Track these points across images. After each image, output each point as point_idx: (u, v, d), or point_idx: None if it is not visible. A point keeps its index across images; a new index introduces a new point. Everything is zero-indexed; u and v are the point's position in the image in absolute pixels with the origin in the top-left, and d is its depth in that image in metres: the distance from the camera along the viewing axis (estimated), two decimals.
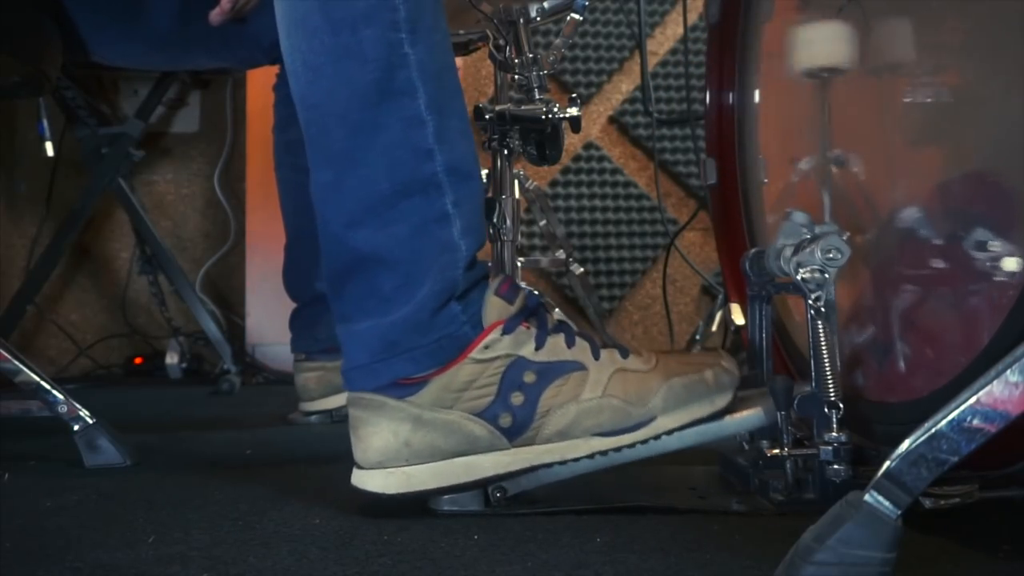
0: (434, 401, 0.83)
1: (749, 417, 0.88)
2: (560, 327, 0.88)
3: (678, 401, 0.86)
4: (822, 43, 1.00)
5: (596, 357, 0.87)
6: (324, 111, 0.83)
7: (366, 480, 0.84)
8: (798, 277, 0.84)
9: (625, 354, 0.88)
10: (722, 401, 0.87)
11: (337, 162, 0.84)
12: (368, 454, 0.84)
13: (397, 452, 0.83)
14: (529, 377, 0.84)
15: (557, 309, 1.70)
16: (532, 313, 0.88)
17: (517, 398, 0.84)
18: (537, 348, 0.85)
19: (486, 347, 0.84)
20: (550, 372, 0.85)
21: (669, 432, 0.86)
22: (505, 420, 0.83)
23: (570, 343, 0.87)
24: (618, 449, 0.85)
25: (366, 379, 0.84)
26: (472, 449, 0.84)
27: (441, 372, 0.83)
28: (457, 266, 0.84)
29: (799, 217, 0.91)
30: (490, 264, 1.34)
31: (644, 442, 0.85)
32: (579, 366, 0.86)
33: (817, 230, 0.88)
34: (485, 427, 0.83)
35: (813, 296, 0.84)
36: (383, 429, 0.83)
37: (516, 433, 0.84)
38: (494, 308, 0.85)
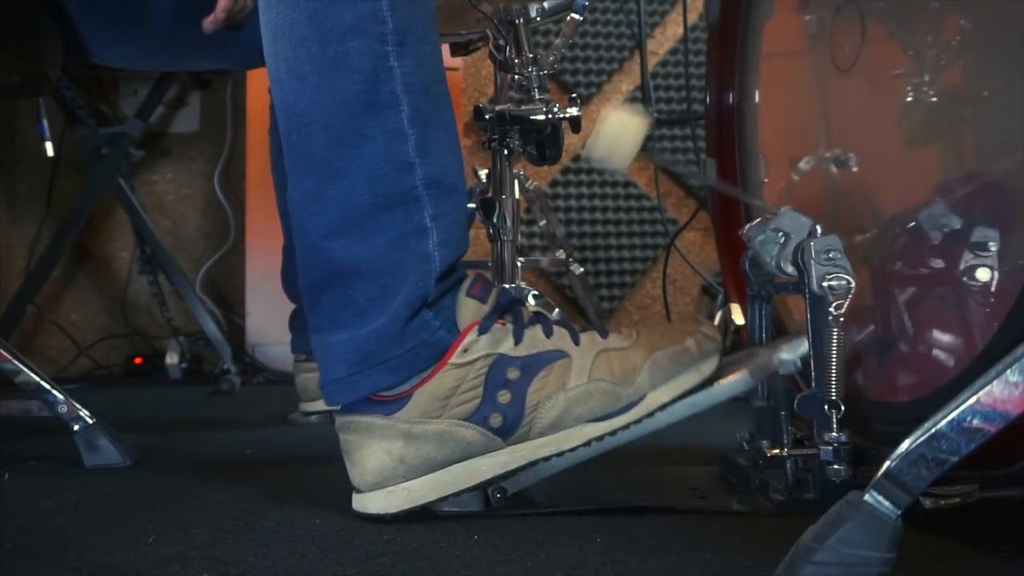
0: (422, 413, 0.83)
1: (736, 382, 0.88)
2: (536, 318, 0.88)
3: (665, 374, 0.85)
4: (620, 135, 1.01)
5: (576, 343, 0.86)
6: (307, 120, 0.83)
7: (367, 503, 0.84)
8: (825, 286, 0.82)
9: (605, 334, 0.88)
10: (708, 368, 0.87)
11: (318, 172, 0.83)
12: (365, 476, 0.83)
13: (393, 470, 0.83)
14: (513, 373, 0.84)
15: (557, 310, 1.71)
16: (506, 309, 0.87)
17: (504, 396, 0.83)
18: (516, 343, 0.85)
19: (465, 350, 0.83)
20: (533, 365, 0.84)
21: (662, 407, 0.85)
22: (496, 420, 0.83)
23: (548, 333, 0.86)
24: (613, 432, 0.85)
25: (345, 392, 0.84)
26: (467, 454, 0.83)
27: (424, 383, 0.83)
28: (430, 276, 0.83)
29: (756, 228, 0.90)
30: (490, 264, 1.34)
31: (638, 421, 0.85)
32: (561, 354, 0.85)
33: (780, 222, 0.88)
34: (477, 431, 0.83)
35: (835, 304, 0.82)
36: (375, 449, 0.83)
37: (509, 431, 0.83)
38: (468, 309, 0.85)
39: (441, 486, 0.83)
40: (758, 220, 0.90)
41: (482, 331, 0.84)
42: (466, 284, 0.86)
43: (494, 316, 0.85)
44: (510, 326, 0.86)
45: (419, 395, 0.83)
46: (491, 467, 0.84)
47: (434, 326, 0.83)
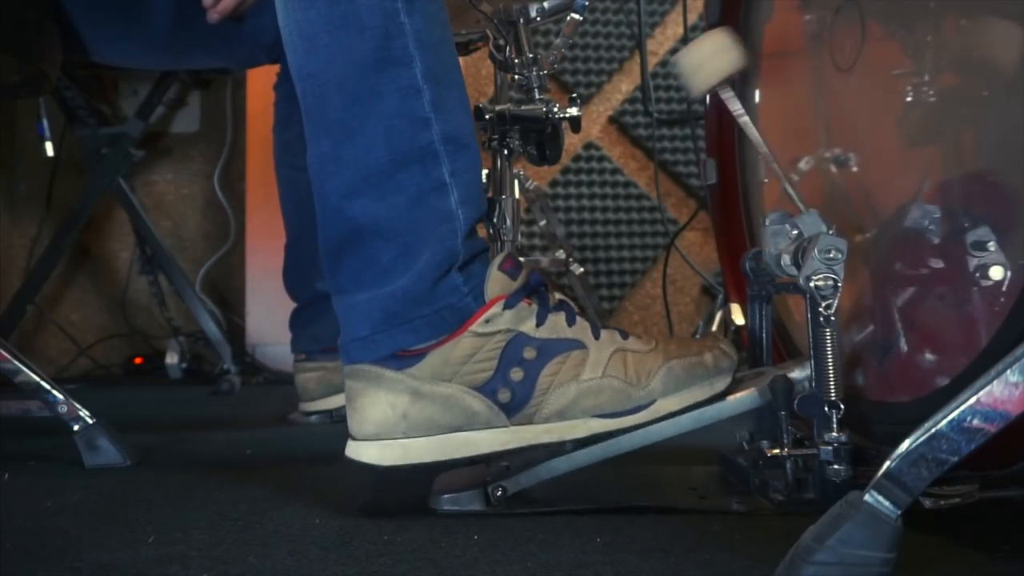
0: (433, 373, 0.83)
1: (746, 398, 0.88)
2: (561, 306, 0.88)
3: (678, 383, 0.86)
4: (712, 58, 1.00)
5: (596, 337, 0.87)
6: (321, 80, 0.83)
7: (360, 452, 0.83)
8: (811, 285, 0.83)
9: (625, 335, 0.88)
10: (721, 384, 0.87)
11: (335, 132, 0.83)
12: (364, 426, 0.83)
13: (395, 424, 0.82)
14: (529, 353, 0.84)
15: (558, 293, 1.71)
16: (534, 291, 0.87)
17: (516, 374, 0.83)
18: (538, 325, 0.85)
19: (487, 321, 0.83)
20: (550, 349, 0.84)
21: (670, 415, 0.85)
22: (504, 395, 0.83)
23: (571, 322, 0.87)
24: (617, 432, 0.85)
25: (366, 351, 0.84)
26: (470, 424, 0.83)
27: (441, 344, 0.83)
28: (456, 235, 0.84)
29: (776, 217, 0.90)
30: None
31: (644, 425, 0.85)
32: (579, 344, 0.86)
33: (800, 220, 0.88)
34: (484, 402, 0.83)
35: (824, 304, 0.83)
36: (380, 401, 0.83)
37: (515, 409, 0.83)
38: (497, 283, 0.85)
39: (438, 450, 0.83)
40: (782, 211, 0.91)
41: (507, 306, 0.84)
42: (498, 259, 0.86)
43: (521, 294, 0.86)
44: (535, 307, 0.86)
45: (433, 356, 0.83)
46: (490, 443, 0.84)
47: (463, 291, 0.84)
